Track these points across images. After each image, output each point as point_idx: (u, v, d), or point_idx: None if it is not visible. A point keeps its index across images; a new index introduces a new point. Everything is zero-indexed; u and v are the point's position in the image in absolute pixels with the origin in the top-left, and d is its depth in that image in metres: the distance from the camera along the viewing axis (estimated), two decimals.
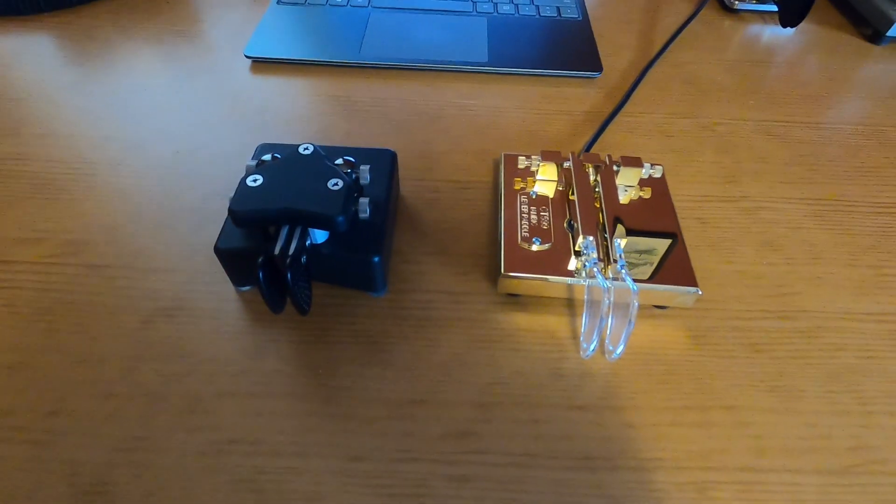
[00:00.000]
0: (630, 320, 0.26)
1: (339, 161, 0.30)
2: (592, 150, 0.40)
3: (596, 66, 0.47)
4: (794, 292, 0.32)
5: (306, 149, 0.29)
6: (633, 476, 0.25)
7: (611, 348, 0.28)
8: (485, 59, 0.47)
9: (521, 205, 0.33)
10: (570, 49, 0.48)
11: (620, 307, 0.28)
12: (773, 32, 0.53)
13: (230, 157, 0.38)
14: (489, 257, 0.33)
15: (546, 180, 0.34)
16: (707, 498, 0.24)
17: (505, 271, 0.29)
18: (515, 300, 0.31)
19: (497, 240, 0.33)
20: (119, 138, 0.40)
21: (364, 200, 0.28)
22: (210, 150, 0.39)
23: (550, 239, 0.31)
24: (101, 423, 0.26)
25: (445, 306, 0.31)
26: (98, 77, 0.45)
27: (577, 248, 0.30)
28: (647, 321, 0.30)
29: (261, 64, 0.47)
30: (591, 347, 0.28)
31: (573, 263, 0.30)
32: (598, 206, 0.32)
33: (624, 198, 0.33)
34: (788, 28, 0.53)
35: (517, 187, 0.34)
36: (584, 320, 0.29)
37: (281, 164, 0.28)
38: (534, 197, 0.33)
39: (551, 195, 0.33)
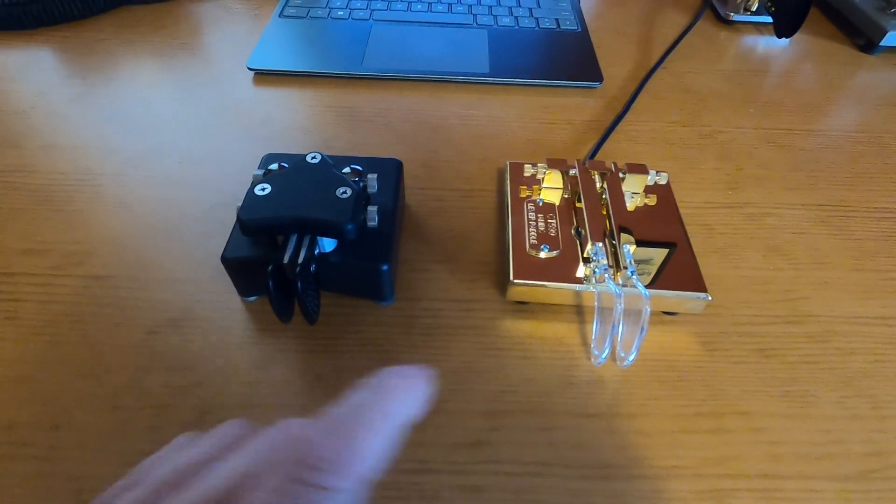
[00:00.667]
0: (642, 326, 0.26)
1: (347, 170, 0.30)
2: (596, 159, 0.40)
3: (596, 75, 0.47)
4: (802, 297, 0.32)
5: (314, 157, 0.29)
6: (649, 485, 0.24)
7: (622, 355, 0.28)
8: (486, 70, 0.47)
9: (528, 212, 0.33)
10: (570, 60, 0.49)
11: (630, 314, 0.27)
12: (769, 43, 0.54)
13: (234, 168, 0.38)
14: (497, 265, 0.33)
15: (552, 188, 0.34)
16: None
17: (514, 278, 0.29)
18: (524, 307, 0.31)
19: (505, 247, 0.33)
20: (123, 150, 0.39)
21: (372, 209, 0.28)
22: (214, 161, 0.39)
23: (559, 246, 0.31)
24: (107, 438, 0.25)
25: (454, 314, 0.30)
26: (101, 90, 0.45)
27: (585, 255, 0.30)
28: (657, 327, 0.30)
29: (263, 76, 0.47)
30: (604, 354, 0.27)
31: (582, 270, 0.29)
32: (605, 212, 0.32)
33: (630, 204, 0.33)
34: (783, 38, 0.53)
35: (523, 195, 0.34)
36: (594, 327, 0.29)
37: (288, 173, 0.28)
38: (540, 204, 0.33)
39: (557, 203, 0.33)
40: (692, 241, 0.31)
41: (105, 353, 0.28)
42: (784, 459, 0.25)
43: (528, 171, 0.35)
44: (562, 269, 0.29)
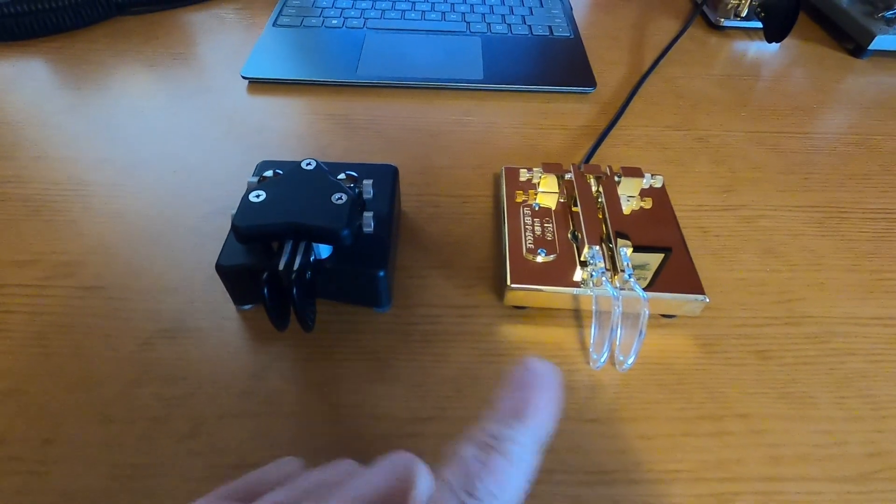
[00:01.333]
0: (641, 329, 0.26)
1: (342, 176, 0.30)
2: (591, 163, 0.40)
3: (589, 81, 0.47)
4: (799, 298, 0.32)
5: (308, 164, 0.29)
6: (651, 489, 0.24)
7: (621, 358, 0.28)
8: (480, 76, 0.47)
9: (524, 217, 0.33)
10: (564, 66, 0.49)
11: (628, 317, 0.27)
12: (759, 48, 0.54)
13: (228, 176, 0.38)
14: (494, 270, 0.33)
15: (548, 192, 0.34)
16: None
17: (511, 283, 0.29)
18: (522, 312, 0.31)
19: (502, 252, 0.32)
20: (115, 160, 0.39)
21: (368, 214, 0.28)
22: (208, 169, 0.39)
23: (555, 250, 0.30)
24: (99, 450, 0.25)
25: (451, 320, 0.30)
26: (94, 100, 0.45)
27: (582, 259, 0.30)
28: (654, 330, 0.30)
29: (257, 84, 0.47)
30: (603, 358, 0.27)
31: (579, 274, 0.29)
32: (601, 216, 0.32)
33: (626, 208, 0.33)
34: (773, 43, 0.54)
35: (519, 200, 0.34)
36: (592, 331, 0.29)
37: (283, 179, 0.28)
38: (536, 209, 0.33)
39: (553, 207, 0.33)
40: (688, 243, 0.31)
41: (97, 365, 0.27)
42: (784, 461, 0.25)
43: (524, 175, 0.35)
44: (559, 273, 0.29)
